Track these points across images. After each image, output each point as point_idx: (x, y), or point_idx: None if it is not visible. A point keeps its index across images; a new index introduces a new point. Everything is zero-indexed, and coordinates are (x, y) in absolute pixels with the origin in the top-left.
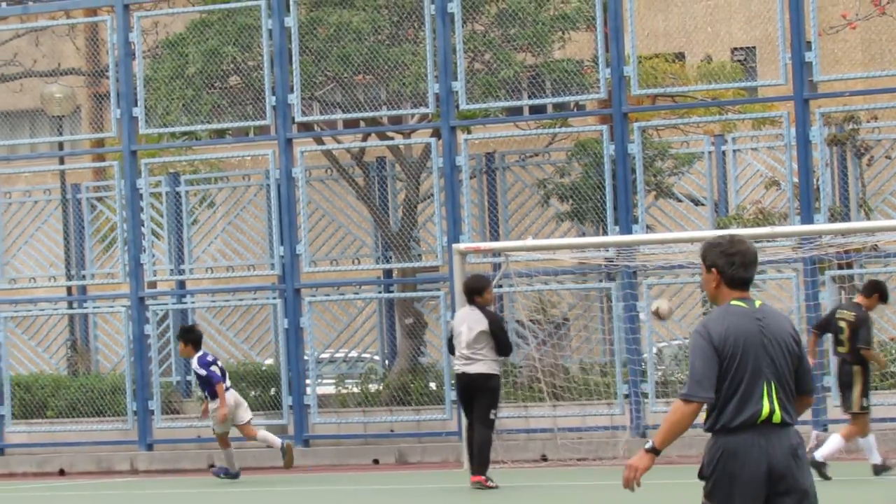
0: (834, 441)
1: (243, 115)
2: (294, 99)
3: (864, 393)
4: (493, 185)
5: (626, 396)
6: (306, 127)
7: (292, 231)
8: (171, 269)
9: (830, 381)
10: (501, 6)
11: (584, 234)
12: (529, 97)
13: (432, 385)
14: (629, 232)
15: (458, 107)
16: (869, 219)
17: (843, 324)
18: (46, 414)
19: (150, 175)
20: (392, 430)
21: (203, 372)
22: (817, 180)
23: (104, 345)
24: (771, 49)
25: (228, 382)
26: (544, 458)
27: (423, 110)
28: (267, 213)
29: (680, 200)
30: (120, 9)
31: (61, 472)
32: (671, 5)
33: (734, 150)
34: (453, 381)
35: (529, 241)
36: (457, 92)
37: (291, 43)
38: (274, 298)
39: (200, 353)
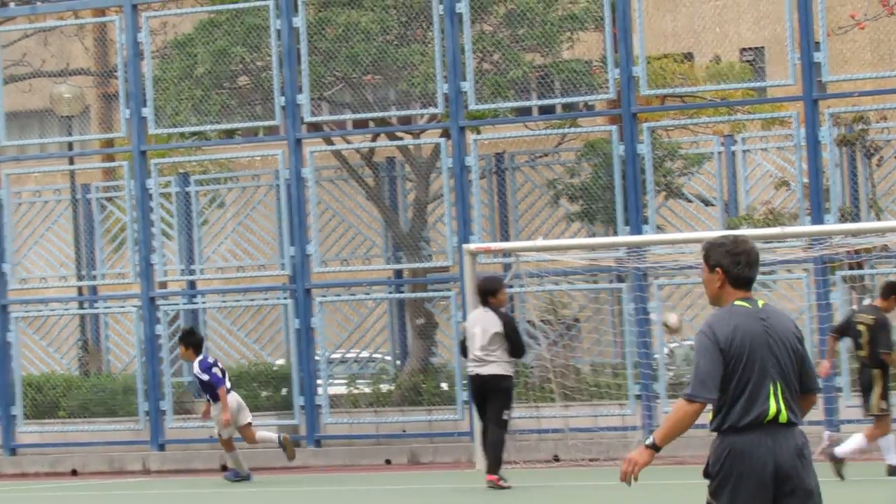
0: (856, 440)
1: (252, 115)
2: (303, 99)
3: (884, 395)
4: (502, 186)
5: (638, 397)
6: (316, 127)
7: (302, 231)
8: (182, 270)
9: (843, 381)
10: (510, 6)
11: (594, 235)
12: (538, 97)
13: (444, 385)
14: (639, 232)
15: (467, 107)
16: (879, 219)
17: (861, 327)
18: (58, 414)
19: (160, 175)
20: (404, 431)
21: (206, 377)
22: (827, 181)
23: (115, 345)
24: (780, 49)
25: (228, 384)
26: (556, 459)
27: (432, 110)
28: (277, 214)
29: (690, 201)
30: (128, 9)
31: (73, 473)
32: (680, 5)
33: (744, 151)
34: (465, 382)
35: (540, 242)
36: (466, 92)
37: (300, 43)
38: (285, 299)
39: (201, 357)
